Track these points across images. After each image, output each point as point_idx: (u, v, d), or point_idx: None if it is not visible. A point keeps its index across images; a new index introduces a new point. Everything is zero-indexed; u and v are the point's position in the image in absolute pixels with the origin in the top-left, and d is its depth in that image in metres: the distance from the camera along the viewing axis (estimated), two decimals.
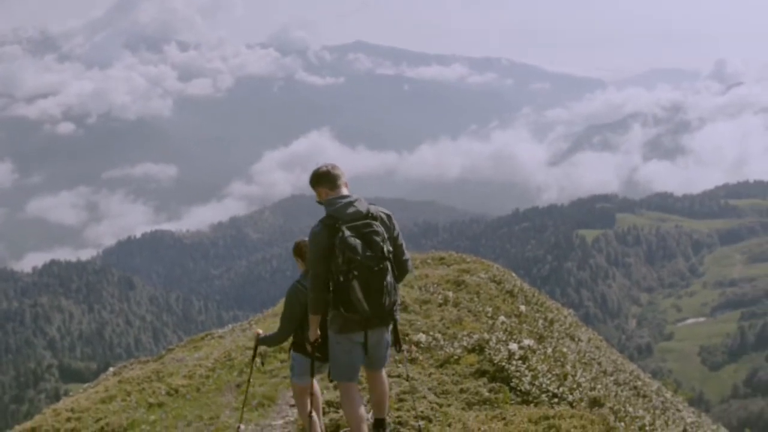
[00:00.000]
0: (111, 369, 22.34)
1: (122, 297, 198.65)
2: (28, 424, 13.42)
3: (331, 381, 6.92)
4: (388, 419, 7.58)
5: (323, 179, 6.61)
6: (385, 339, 6.70)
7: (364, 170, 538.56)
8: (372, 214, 6.42)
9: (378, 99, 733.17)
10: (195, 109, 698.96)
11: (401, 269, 6.62)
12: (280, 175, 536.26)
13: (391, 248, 6.38)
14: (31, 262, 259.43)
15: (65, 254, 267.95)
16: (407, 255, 6.76)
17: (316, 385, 7.67)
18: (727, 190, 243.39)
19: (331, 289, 6.30)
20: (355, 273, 6.10)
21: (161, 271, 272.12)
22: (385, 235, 6.38)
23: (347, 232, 6.17)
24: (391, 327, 6.75)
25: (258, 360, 8.79)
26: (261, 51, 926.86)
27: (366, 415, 6.85)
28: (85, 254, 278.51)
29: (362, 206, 6.43)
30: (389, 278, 6.28)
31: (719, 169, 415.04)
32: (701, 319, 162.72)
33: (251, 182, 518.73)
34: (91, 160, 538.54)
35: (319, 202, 6.73)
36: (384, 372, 6.94)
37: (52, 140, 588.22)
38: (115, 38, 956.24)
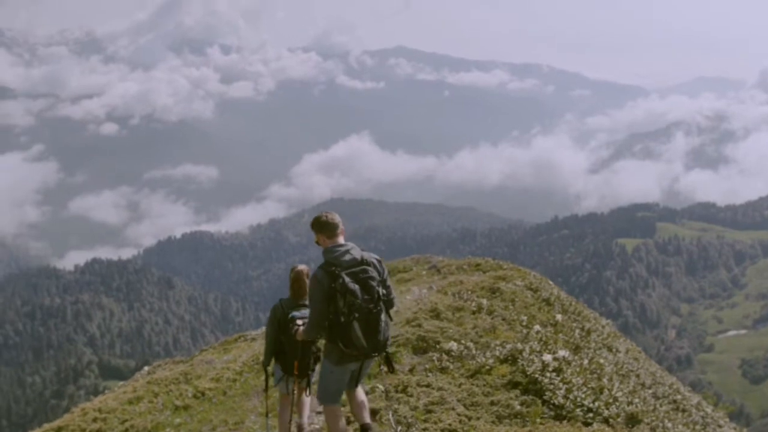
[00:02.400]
0: (146, 368, 22.37)
1: (161, 296, 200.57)
2: (55, 423, 13.37)
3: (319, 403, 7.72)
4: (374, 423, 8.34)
5: (323, 228, 7.23)
6: (368, 368, 7.56)
7: (403, 175, 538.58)
8: (366, 260, 7.07)
9: (418, 104, 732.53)
10: (236, 111, 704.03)
11: (390, 306, 7.26)
12: (319, 178, 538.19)
13: (384, 291, 7.07)
14: (73, 260, 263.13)
15: (106, 253, 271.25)
16: (393, 294, 7.37)
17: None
18: None
19: (328, 326, 7.03)
20: (356, 315, 6.81)
21: (200, 271, 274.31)
22: (378, 279, 7.05)
23: (347, 278, 6.83)
24: (382, 357, 7.46)
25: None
26: (302, 55, 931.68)
27: (347, 429, 7.68)
28: (126, 253, 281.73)
29: (357, 253, 7.08)
30: (383, 317, 7.02)
31: (763, 180, 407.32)
32: (743, 332, 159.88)
33: (290, 185, 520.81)
34: (133, 161, 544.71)
35: (317, 243, 7.42)
36: (359, 386, 7.72)
37: (95, 140, 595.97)
38: (159, 40, 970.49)
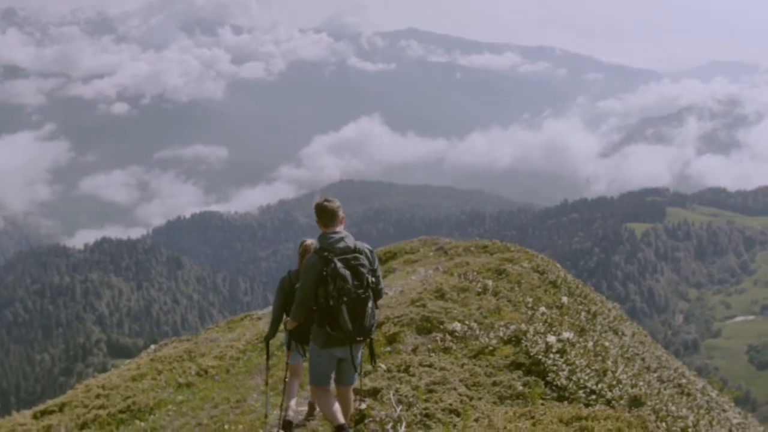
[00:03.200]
0: (152, 346, 22.40)
1: (170, 276, 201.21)
2: (59, 399, 13.38)
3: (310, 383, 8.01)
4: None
5: (321, 214, 7.51)
6: (359, 356, 7.76)
7: (413, 157, 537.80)
8: (358, 248, 7.36)
9: (429, 86, 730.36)
10: (247, 92, 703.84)
11: (377, 296, 7.54)
12: (329, 159, 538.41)
13: (373, 279, 7.34)
14: (83, 238, 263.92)
15: (116, 232, 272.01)
16: (382, 284, 7.70)
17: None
18: None
19: (317, 310, 7.32)
20: (345, 299, 7.08)
21: (209, 251, 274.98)
22: (369, 267, 7.34)
23: (339, 264, 7.14)
24: (367, 344, 7.81)
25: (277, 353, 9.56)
26: (314, 36, 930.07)
27: (338, 408, 7.79)
28: (136, 233, 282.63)
29: (350, 241, 7.35)
30: (370, 304, 7.29)
31: None
32: (750, 317, 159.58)
33: (300, 166, 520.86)
34: (143, 140, 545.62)
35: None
36: (351, 390, 8.05)
37: (106, 120, 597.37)
38: (170, 21, 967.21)
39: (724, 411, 15.38)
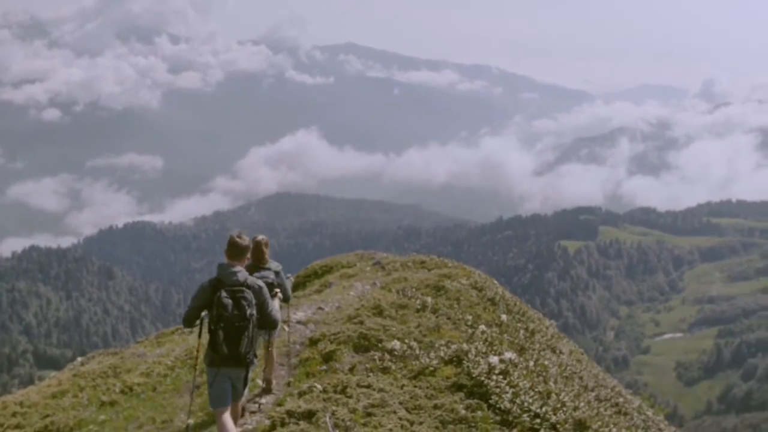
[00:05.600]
0: (79, 359, 21.54)
1: (101, 286, 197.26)
2: None
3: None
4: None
5: (228, 246, 8.32)
6: (243, 379, 8.35)
7: (350, 171, 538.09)
8: (248, 284, 8.08)
9: (367, 101, 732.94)
10: (183, 102, 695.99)
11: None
12: (265, 171, 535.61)
13: (254, 312, 8.01)
14: (10, 246, 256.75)
15: (45, 241, 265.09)
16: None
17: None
18: (710, 208, 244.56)
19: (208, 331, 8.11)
20: (222, 325, 7.84)
21: (142, 262, 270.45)
22: (253, 302, 8.01)
23: (224, 294, 7.90)
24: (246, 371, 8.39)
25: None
26: (252, 47, 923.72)
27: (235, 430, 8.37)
28: (66, 242, 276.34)
29: (242, 277, 8.09)
30: (247, 334, 7.95)
31: (703, 187, 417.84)
32: (678, 335, 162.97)
33: (236, 177, 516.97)
34: (76, 148, 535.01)
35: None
36: (238, 405, 8.64)
37: (37, 126, 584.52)
38: (106, 27, 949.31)
39: (661, 430, 15.33)
